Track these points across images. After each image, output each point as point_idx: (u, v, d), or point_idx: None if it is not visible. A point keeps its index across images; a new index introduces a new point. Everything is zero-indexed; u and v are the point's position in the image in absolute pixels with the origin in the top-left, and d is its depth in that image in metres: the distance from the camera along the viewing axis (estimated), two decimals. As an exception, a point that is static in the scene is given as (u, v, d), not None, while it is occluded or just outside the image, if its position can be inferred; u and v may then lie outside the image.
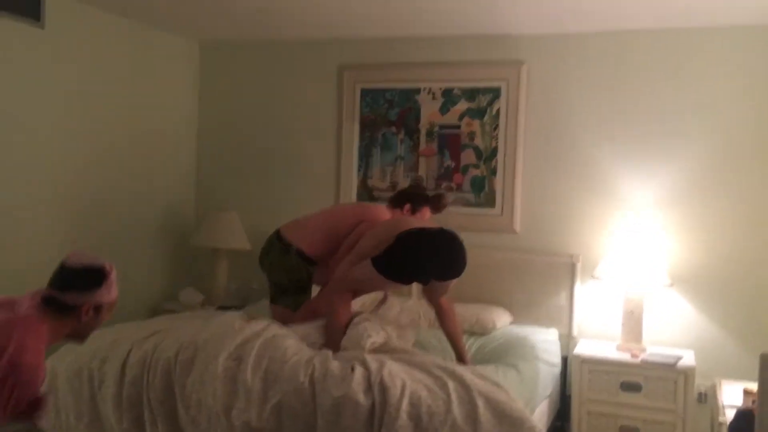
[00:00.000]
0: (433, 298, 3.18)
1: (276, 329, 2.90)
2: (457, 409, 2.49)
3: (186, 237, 4.77)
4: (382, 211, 3.46)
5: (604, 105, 4.02)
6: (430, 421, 2.46)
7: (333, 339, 2.96)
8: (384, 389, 2.52)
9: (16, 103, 3.59)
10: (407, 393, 2.52)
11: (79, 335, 2.10)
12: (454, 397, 2.53)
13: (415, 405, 2.49)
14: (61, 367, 2.90)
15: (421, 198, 3.53)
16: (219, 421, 2.58)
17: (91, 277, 2.05)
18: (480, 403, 2.51)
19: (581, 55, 4.06)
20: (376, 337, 2.94)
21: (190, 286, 4.64)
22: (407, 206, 3.49)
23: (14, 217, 3.60)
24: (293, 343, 2.82)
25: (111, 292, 2.10)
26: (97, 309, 2.08)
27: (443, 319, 3.19)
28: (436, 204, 3.53)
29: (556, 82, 4.11)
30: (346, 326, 3.00)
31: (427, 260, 2.97)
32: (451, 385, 2.58)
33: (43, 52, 3.71)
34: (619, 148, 3.99)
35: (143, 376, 2.74)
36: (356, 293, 3.15)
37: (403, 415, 2.46)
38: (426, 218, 3.48)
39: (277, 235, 3.38)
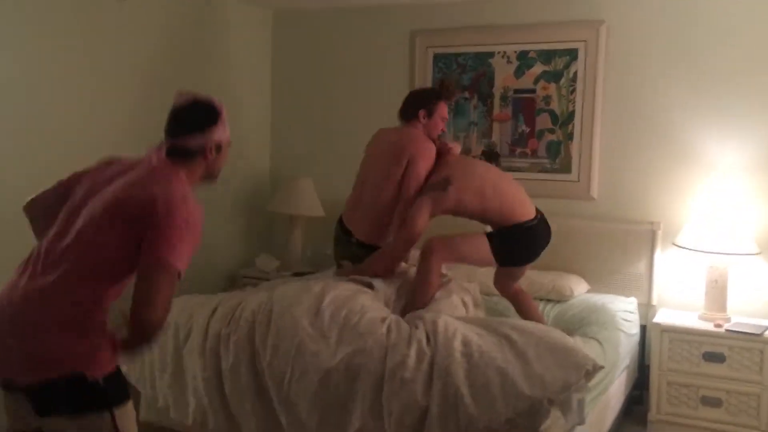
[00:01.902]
0: (507, 286, 3.23)
1: (353, 287, 3.00)
2: (507, 347, 2.55)
3: (262, 204, 4.86)
4: (420, 142, 3.30)
5: (687, 65, 3.84)
6: (480, 357, 2.51)
7: (421, 302, 3.03)
8: (436, 333, 2.62)
9: (91, 74, 3.71)
10: (459, 335, 2.61)
11: (210, 175, 2.12)
12: (505, 338, 2.60)
13: (467, 344, 2.57)
14: None
15: (431, 95, 3.40)
16: (295, 364, 2.68)
17: (205, 114, 2.05)
18: (532, 341, 2.56)
19: (664, 13, 3.88)
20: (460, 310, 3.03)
21: (265, 253, 4.74)
22: (422, 113, 3.34)
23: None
24: (370, 302, 2.91)
25: (226, 129, 2.10)
26: (218, 148, 2.08)
27: (524, 306, 3.21)
28: (446, 93, 3.40)
29: (637, 41, 3.95)
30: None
31: (539, 247, 3.23)
32: (504, 329, 2.66)
33: (120, 22, 3.81)
34: (703, 110, 3.82)
35: (227, 328, 2.87)
36: (448, 261, 3.19)
37: (456, 354, 2.52)
38: (444, 114, 3.40)
39: (340, 224, 3.43)
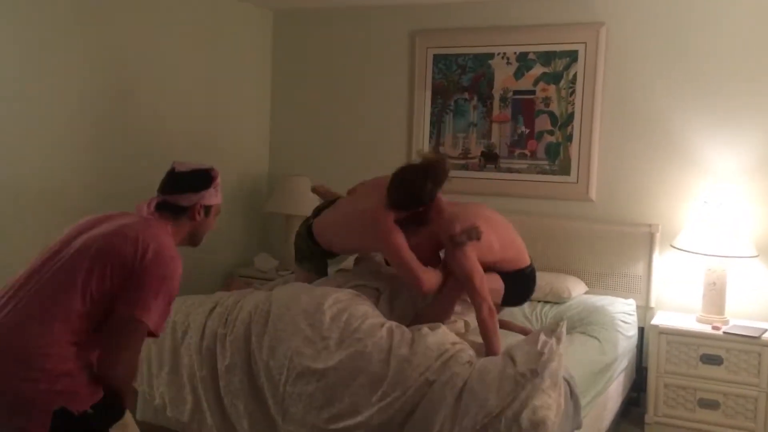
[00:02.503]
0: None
1: (353, 292, 3.00)
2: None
3: (259, 203, 4.85)
4: (385, 238, 2.99)
5: (687, 68, 3.84)
6: (479, 355, 2.61)
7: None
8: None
9: (89, 71, 3.70)
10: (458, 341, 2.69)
11: (194, 237, 2.20)
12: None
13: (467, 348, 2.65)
14: None
15: (427, 195, 2.98)
16: (291, 366, 2.67)
17: (200, 178, 2.15)
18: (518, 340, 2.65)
19: (664, 15, 3.88)
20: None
21: (264, 252, 4.74)
22: (422, 208, 3.02)
23: (94, 176, 3.73)
24: (370, 309, 2.91)
25: (218, 194, 2.19)
26: (207, 210, 2.16)
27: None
28: (443, 181, 3.02)
29: (637, 43, 3.96)
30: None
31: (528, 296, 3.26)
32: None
33: (120, 19, 3.80)
34: (702, 113, 3.82)
35: (223, 328, 2.87)
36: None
37: (456, 351, 2.59)
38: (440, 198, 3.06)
39: (309, 233, 3.36)
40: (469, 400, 2.43)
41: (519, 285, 3.13)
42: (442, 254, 3.09)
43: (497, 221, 3.13)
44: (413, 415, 2.49)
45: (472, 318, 2.99)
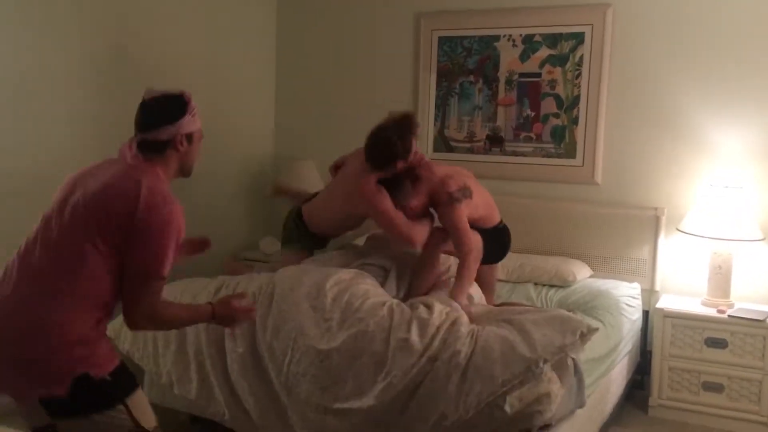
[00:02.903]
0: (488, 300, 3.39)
1: (355, 272, 3.03)
2: (506, 324, 2.64)
3: (265, 187, 4.85)
4: (371, 201, 3.12)
5: (694, 50, 3.81)
6: (482, 329, 2.60)
7: (425, 287, 3.14)
8: (434, 312, 2.71)
9: (90, 55, 3.69)
10: (460, 315, 2.73)
11: (184, 168, 2.11)
12: (505, 321, 2.69)
13: (468, 321, 2.68)
14: None
15: (402, 150, 3.07)
16: (295, 347, 2.69)
17: (174, 107, 2.04)
18: (530, 317, 2.67)
19: (672, -3, 3.85)
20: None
21: (269, 235, 4.74)
22: (400, 163, 3.09)
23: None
24: (373, 288, 2.93)
25: (196, 120, 2.08)
26: (189, 138, 2.06)
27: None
28: (414, 129, 3.13)
29: (644, 25, 3.92)
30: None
31: (508, 248, 3.44)
32: (503, 315, 2.79)
33: (122, 4, 3.79)
34: (710, 96, 3.79)
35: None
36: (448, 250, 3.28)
37: (457, 326, 2.62)
38: (416, 149, 3.15)
39: (299, 216, 3.48)
40: (473, 377, 2.44)
41: (496, 240, 3.32)
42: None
43: (476, 181, 3.32)
44: (417, 394, 2.50)
45: (475, 290, 3.21)
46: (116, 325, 2.97)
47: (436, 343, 2.56)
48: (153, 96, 2.05)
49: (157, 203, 1.89)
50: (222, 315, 2.10)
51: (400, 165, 3.10)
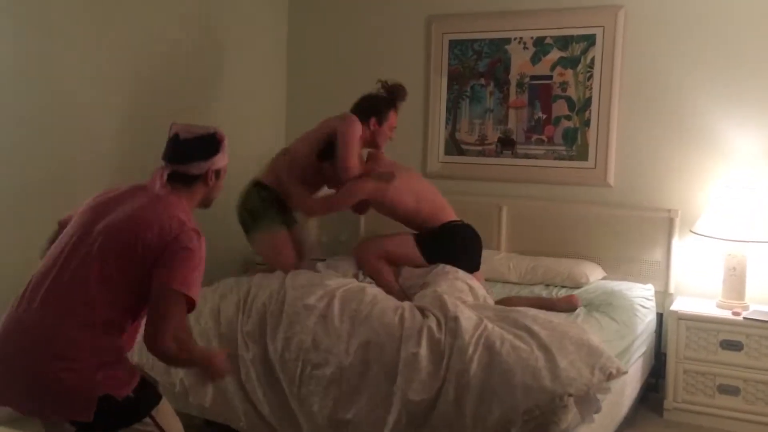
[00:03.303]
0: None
1: (361, 282, 3.05)
2: (529, 338, 2.52)
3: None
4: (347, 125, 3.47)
5: (706, 50, 3.79)
6: (502, 345, 2.49)
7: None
8: (449, 320, 2.62)
9: (105, 59, 3.72)
10: (476, 323, 2.61)
11: (207, 200, 2.18)
12: (527, 331, 2.58)
13: (487, 334, 2.55)
14: None
15: (385, 104, 3.54)
16: (306, 358, 2.68)
17: (208, 144, 2.10)
18: (556, 335, 2.54)
19: (684, -2, 3.83)
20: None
21: (281, 239, 4.74)
22: (373, 120, 3.51)
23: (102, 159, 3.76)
24: (379, 293, 2.93)
25: (225, 156, 2.15)
26: (217, 174, 2.13)
27: None
28: (400, 96, 3.59)
29: (656, 26, 3.90)
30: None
31: (463, 252, 3.42)
32: (525, 321, 2.64)
33: (134, 7, 3.82)
34: (723, 96, 3.77)
35: (237, 316, 2.87)
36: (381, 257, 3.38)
37: (474, 341, 2.52)
38: (394, 123, 3.59)
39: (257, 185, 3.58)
40: (491, 399, 2.40)
41: (439, 238, 3.41)
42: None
43: (422, 181, 3.63)
44: (432, 415, 2.48)
45: (480, 286, 3.24)
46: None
47: (445, 361, 2.51)
48: (189, 135, 2.09)
49: (188, 231, 1.95)
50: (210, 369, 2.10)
51: (373, 123, 3.48)
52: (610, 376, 2.45)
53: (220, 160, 2.12)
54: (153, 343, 1.88)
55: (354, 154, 3.39)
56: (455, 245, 3.42)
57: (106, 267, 1.90)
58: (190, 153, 2.06)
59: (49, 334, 1.85)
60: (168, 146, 2.10)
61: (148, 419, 1.92)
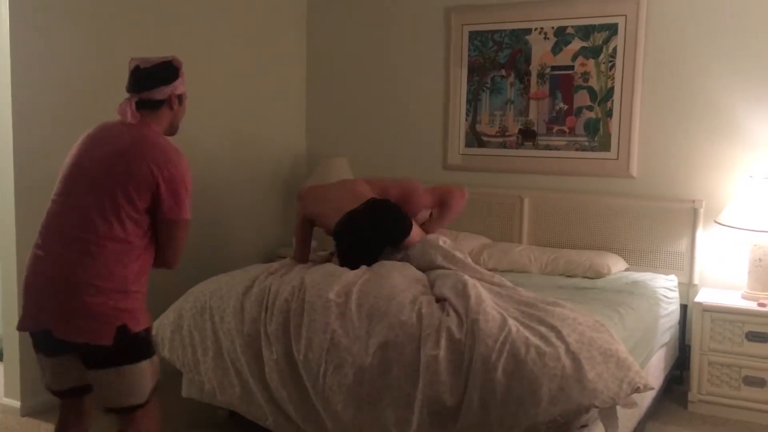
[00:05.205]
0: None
1: (380, 269, 2.99)
2: (557, 341, 2.45)
3: (298, 184, 4.88)
4: None
5: (731, 39, 3.73)
6: (528, 352, 2.42)
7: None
8: (478, 329, 2.53)
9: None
10: (500, 323, 2.53)
11: (173, 126, 2.35)
12: (554, 331, 2.49)
13: (512, 338, 2.47)
14: (186, 307, 3.09)
15: None
16: (328, 358, 2.68)
17: (168, 70, 2.28)
18: (584, 342, 2.46)
19: (708, -15, 3.77)
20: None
21: (303, 233, 4.77)
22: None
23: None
24: (400, 281, 2.87)
25: (184, 84, 2.34)
26: (180, 99, 2.32)
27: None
28: None
29: (679, 14, 3.85)
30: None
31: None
32: (551, 320, 2.55)
33: (157, 6, 3.85)
34: (746, 85, 3.71)
35: (261, 315, 2.88)
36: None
37: (498, 345, 2.46)
38: None
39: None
40: (516, 409, 2.38)
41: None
42: None
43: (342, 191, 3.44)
44: (459, 417, 2.47)
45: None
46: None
47: (466, 364, 2.48)
48: (148, 64, 2.27)
49: (173, 158, 2.18)
50: None
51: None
52: (636, 390, 2.41)
53: (181, 85, 2.31)
54: (170, 266, 2.25)
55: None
56: (344, 248, 3.31)
57: (108, 200, 2.11)
58: (152, 80, 2.25)
59: (67, 267, 2.09)
60: (130, 78, 2.27)
61: (146, 363, 2.17)
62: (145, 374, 2.17)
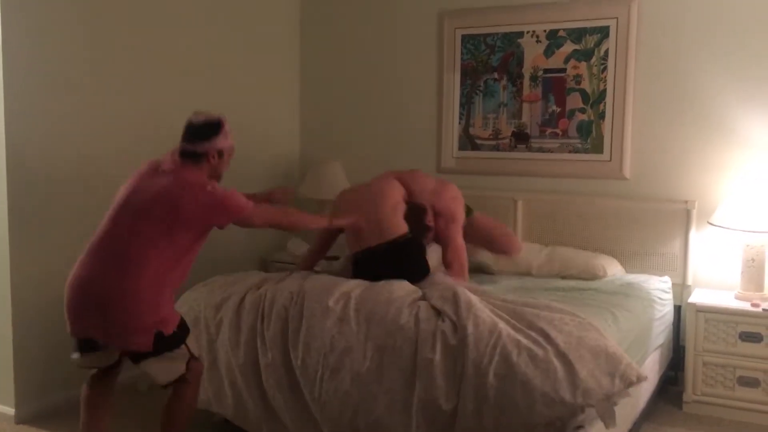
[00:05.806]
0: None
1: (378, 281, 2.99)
2: (546, 344, 2.46)
3: (292, 188, 4.88)
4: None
5: (722, 40, 3.75)
6: (519, 355, 2.43)
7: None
8: (467, 335, 2.53)
9: (130, 61, 3.75)
10: (491, 327, 2.54)
11: (216, 176, 2.66)
12: (542, 334, 2.50)
13: (503, 342, 2.48)
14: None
15: None
16: (326, 362, 2.69)
17: (211, 127, 2.61)
18: (572, 341, 2.47)
19: (698, -12, 3.80)
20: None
21: (297, 237, 4.77)
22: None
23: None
24: (397, 287, 2.88)
25: (228, 139, 2.66)
26: (220, 153, 2.63)
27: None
28: None
29: (670, 17, 3.87)
30: None
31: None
32: (540, 323, 2.56)
33: (157, 11, 3.85)
34: (739, 86, 3.73)
35: (257, 323, 2.87)
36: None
37: (489, 350, 2.47)
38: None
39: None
40: (511, 413, 2.39)
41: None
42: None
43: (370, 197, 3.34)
44: (455, 422, 2.47)
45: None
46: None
47: (459, 369, 2.49)
48: (197, 120, 2.62)
49: (209, 191, 2.54)
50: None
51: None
52: (630, 384, 2.42)
53: (222, 142, 2.62)
54: (291, 228, 3.20)
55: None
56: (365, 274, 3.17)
57: (152, 231, 2.46)
58: (196, 135, 2.59)
59: (110, 285, 2.43)
60: (184, 130, 2.62)
61: (183, 346, 2.57)
62: (181, 353, 2.56)
